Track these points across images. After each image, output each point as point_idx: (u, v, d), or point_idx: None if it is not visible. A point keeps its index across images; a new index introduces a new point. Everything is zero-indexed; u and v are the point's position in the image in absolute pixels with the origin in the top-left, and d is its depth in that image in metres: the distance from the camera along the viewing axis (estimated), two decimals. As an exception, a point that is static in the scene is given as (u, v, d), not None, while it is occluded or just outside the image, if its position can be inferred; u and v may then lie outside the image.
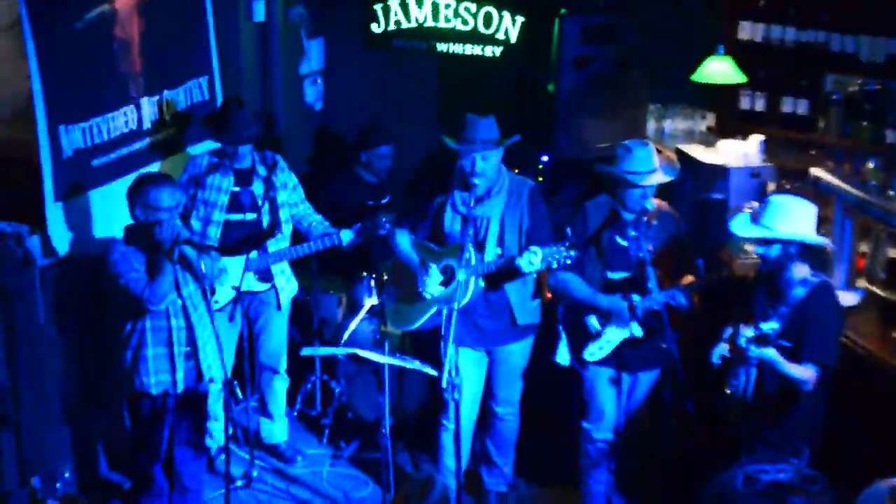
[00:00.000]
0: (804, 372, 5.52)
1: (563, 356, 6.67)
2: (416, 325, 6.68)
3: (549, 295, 6.74)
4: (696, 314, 6.26)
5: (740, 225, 5.81)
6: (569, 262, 6.10)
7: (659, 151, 6.46)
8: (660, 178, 6.28)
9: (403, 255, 6.68)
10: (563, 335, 6.68)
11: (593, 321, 6.44)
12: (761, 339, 5.48)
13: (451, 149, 6.41)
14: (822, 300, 5.61)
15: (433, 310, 6.55)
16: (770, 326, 5.49)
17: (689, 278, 6.31)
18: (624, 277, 6.38)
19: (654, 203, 6.30)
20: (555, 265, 6.13)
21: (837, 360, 5.62)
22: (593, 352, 6.47)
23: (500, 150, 6.39)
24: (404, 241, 6.69)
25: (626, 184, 6.22)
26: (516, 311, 6.58)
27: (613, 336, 6.41)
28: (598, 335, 6.44)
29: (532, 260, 6.06)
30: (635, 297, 6.26)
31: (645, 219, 6.20)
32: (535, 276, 6.42)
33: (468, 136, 6.34)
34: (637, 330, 6.35)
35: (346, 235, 7.11)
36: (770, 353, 5.49)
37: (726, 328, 5.96)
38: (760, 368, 5.70)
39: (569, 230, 6.21)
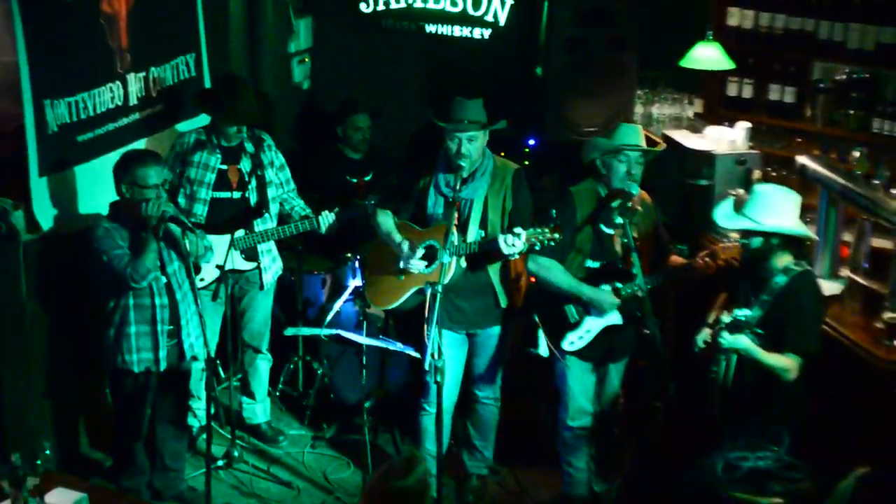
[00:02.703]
0: (782, 361, 5.52)
1: (543, 347, 6.65)
2: (396, 304, 6.67)
3: (533, 279, 6.72)
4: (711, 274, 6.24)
5: (723, 215, 5.81)
6: (552, 244, 6.09)
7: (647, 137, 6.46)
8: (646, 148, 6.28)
9: (385, 234, 6.66)
10: (541, 325, 6.65)
11: (572, 310, 6.42)
12: (734, 326, 5.47)
13: (437, 129, 6.40)
14: (802, 289, 5.60)
15: (413, 290, 6.54)
16: (743, 313, 5.48)
17: (676, 259, 6.34)
18: (606, 265, 6.36)
19: (637, 189, 6.29)
20: (538, 247, 6.11)
21: (818, 348, 5.61)
22: (573, 341, 6.44)
23: (486, 132, 6.37)
24: (387, 220, 6.67)
25: (616, 156, 6.20)
26: (500, 293, 6.57)
27: (593, 325, 6.39)
28: (576, 324, 6.43)
29: (515, 242, 6.04)
30: (619, 285, 6.25)
31: (630, 204, 6.19)
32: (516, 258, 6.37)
33: (456, 117, 6.32)
34: (618, 318, 6.34)
35: (325, 220, 7.08)
36: (741, 341, 5.49)
37: (710, 314, 5.98)
38: (740, 355, 5.70)
39: (554, 212, 6.19)
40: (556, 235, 6.04)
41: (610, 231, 6.30)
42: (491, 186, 6.46)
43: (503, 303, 6.60)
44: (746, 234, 5.68)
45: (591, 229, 6.37)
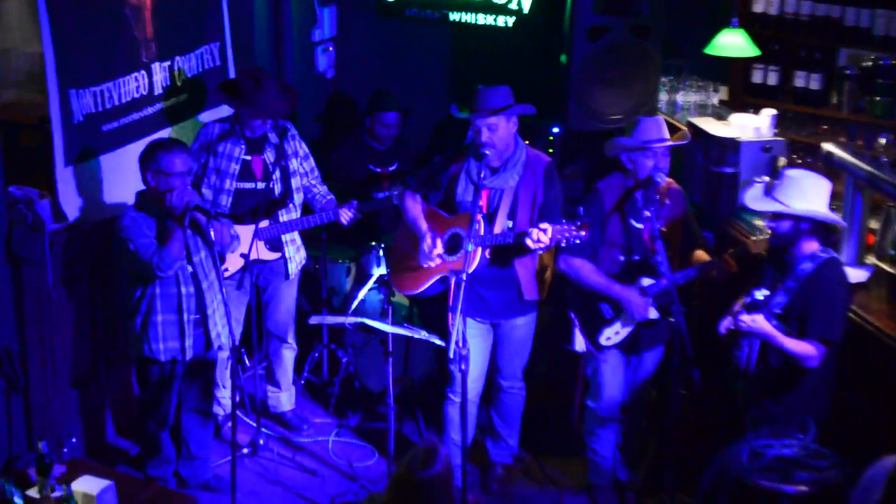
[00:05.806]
0: (803, 347, 5.47)
1: (580, 343, 6.62)
2: (420, 291, 6.67)
3: (549, 276, 6.69)
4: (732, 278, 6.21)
5: (753, 198, 5.76)
6: (578, 241, 6.03)
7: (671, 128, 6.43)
8: (671, 143, 6.25)
9: (412, 221, 6.65)
10: (576, 322, 6.62)
11: (607, 307, 6.39)
12: (751, 306, 5.42)
13: (456, 118, 6.41)
14: (829, 276, 5.53)
15: (438, 277, 6.53)
16: (762, 293, 5.43)
17: (701, 254, 6.31)
18: (638, 260, 6.33)
19: (664, 179, 6.25)
20: (564, 243, 6.06)
21: (842, 336, 5.56)
22: (609, 336, 6.41)
23: (507, 119, 6.31)
24: (415, 207, 6.66)
25: (643, 151, 6.18)
26: (524, 286, 6.54)
27: (630, 321, 6.37)
28: (612, 320, 6.40)
29: (541, 237, 5.99)
30: (646, 282, 6.22)
31: (657, 197, 6.16)
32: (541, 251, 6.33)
33: (475, 106, 6.32)
34: (653, 312, 6.30)
35: (345, 216, 7.09)
36: (761, 324, 5.46)
37: (736, 301, 5.94)
38: (763, 340, 5.66)
39: (581, 209, 6.14)
40: (583, 232, 5.98)
41: (639, 225, 6.27)
42: (522, 178, 6.43)
43: (527, 296, 6.57)
44: (775, 217, 5.63)
45: (620, 224, 6.33)
